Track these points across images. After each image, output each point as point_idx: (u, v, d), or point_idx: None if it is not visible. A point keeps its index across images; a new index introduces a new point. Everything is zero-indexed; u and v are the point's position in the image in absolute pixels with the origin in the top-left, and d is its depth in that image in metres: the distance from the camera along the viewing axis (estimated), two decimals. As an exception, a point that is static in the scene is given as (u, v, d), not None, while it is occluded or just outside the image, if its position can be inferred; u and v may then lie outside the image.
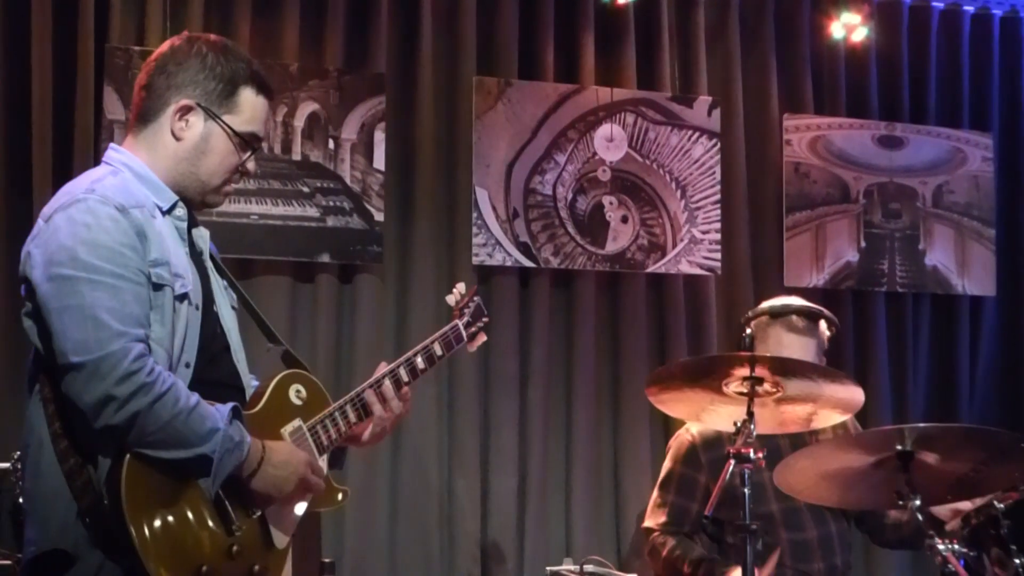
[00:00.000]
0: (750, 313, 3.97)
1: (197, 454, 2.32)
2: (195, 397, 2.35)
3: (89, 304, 2.27)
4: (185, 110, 2.55)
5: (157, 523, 2.30)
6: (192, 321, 2.48)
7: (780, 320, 3.86)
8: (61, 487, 2.33)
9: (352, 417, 2.76)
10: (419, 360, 2.94)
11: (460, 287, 3.16)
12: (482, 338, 3.17)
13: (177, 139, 2.56)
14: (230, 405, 2.42)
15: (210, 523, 2.40)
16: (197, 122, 2.56)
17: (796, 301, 3.96)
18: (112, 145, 2.63)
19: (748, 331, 3.86)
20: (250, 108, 2.61)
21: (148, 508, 2.29)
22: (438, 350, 3.00)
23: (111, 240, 2.34)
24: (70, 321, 2.27)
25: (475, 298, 3.16)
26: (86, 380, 2.24)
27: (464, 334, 3.09)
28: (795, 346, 3.80)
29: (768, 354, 3.71)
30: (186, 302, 2.47)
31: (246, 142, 2.61)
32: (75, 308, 2.27)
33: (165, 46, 2.62)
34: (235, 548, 2.42)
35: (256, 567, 2.47)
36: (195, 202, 2.62)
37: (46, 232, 2.37)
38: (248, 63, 2.63)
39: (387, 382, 2.84)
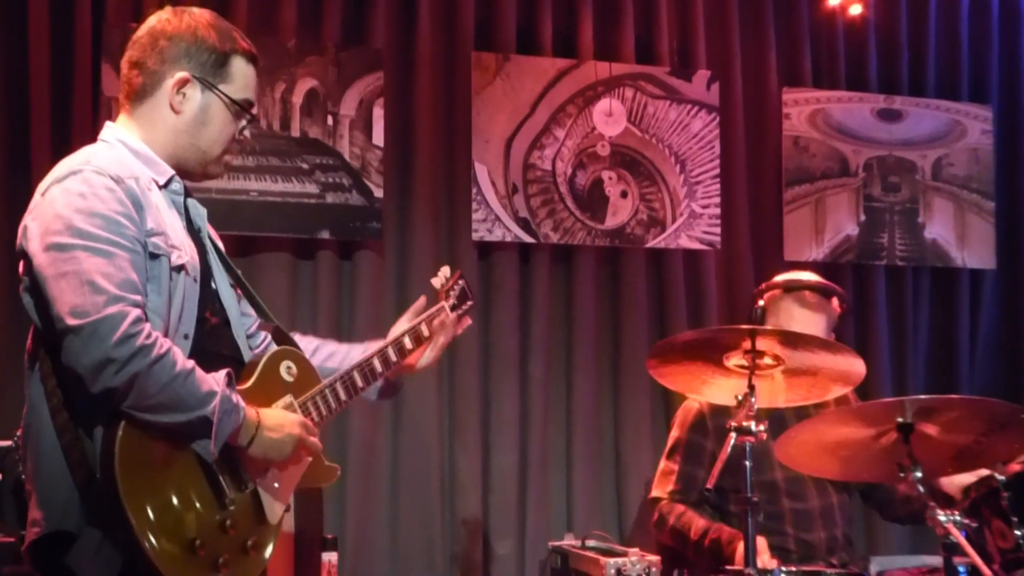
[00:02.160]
0: (763, 286, 3.98)
1: (196, 417, 2.33)
2: (191, 362, 2.36)
3: (86, 270, 2.28)
4: (182, 83, 2.57)
5: (150, 494, 2.31)
6: (190, 293, 2.50)
7: (792, 294, 3.87)
8: (61, 464, 2.34)
9: (342, 395, 2.78)
10: (407, 340, 2.97)
11: (445, 271, 3.17)
12: (467, 322, 3.19)
13: (176, 112, 2.57)
14: (224, 371, 2.43)
15: (203, 496, 2.41)
16: (195, 94, 2.58)
17: (809, 276, 3.97)
18: (108, 123, 2.64)
19: (760, 303, 3.87)
20: (242, 76, 2.64)
21: (141, 479, 2.30)
22: (425, 331, 3.02)
23: (107, 209, 2.35)
24: (67, 286, 2.27)
25: (460, 281, 3.17)
26: (84, 343, 2.24)
27: (449, 316, 3.09)
28: (805, 321, 3.82)
29: (779, 327, 3.72)
30: (183, 273, 2.48)
31: (243, 109, 2.64)
32: (72, 274, 2.27)
33: (152, 21, 2.63)
34: (228, 522, 2.43)
35: (249, 541, 2.48)
36: (196, 174, 2.65)
37: (42, 205, 2.38)
38: (235, 32, 2.67)
39: (376, 361, 2.87)
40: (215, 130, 2.62)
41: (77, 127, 4.66)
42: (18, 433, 3.60)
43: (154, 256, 2.42)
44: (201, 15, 2.64)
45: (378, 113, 5.02)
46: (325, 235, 4.93)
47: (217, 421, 2.35)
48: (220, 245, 2.76)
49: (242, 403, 2.43)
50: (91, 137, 4.40)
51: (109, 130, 2.61)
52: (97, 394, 2.26)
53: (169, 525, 2.32)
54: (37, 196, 2.42)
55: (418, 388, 4.97)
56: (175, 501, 2.35)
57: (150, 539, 2.27)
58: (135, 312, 2.29)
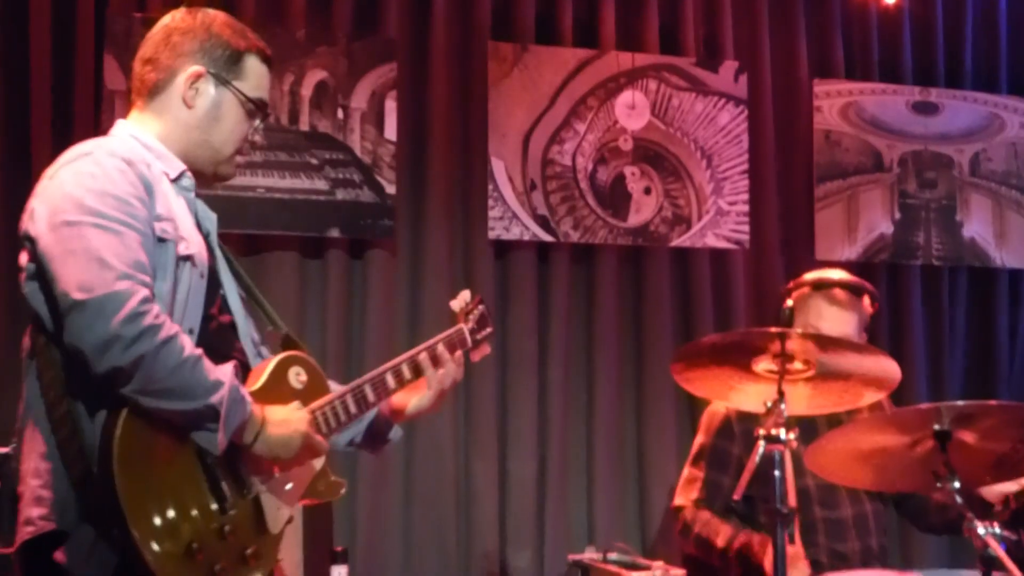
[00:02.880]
0: (791, 284, 3.96)
1: (203, 406, 2.33)
2: (199, 350, 2.36)
3: (95, 246, 2.29)
4: (196, 77, 2.62)
5: (148, 490, 2.30)
6: (196, 287, 2.51)
7: (821, 292, 3.86)
8: (57, 461, 2.35)
9: (352, 409, 2.77)
10: (423, 357, 2.91)
11: (465, 294, 3.15)
12: (486, 350, 3.15)
13: (189, 107, 2.62)
14: (230, 363, 2.44)
15: (203, 499, 2.40)
16: (208, 89, 2.63)
17: (839, 274, 3.95)
18: (118, 121, 2.67)
19: (788, 302, 3.85)
20: (256, 75, 2.70)
21: (140, 473, 2.30)
22: (442, 351, 2.96)
23: (117, 189, 2.38)
24: (74, 262, 2.28)
25: (480, 306, 3.15)
26: (90, 319, 2.24)
27: (468, 339, 3.06)
28: (836, 320, 3.80)
29: (808, 327, 3.71)
30: (189, 264, 2.50)
31: (256, 108, 2.69)
32: (80, 250, 2.29)
33: (166, 19, 2.69)
34: (227, 528, 2.42)
35: (248, 550, 2.47)
36: (207, 173, 2.68)
37: (50, 186, 2.41)
38: (249, 32, 2.73)
39: (389, 376, 2.85)
40: (228, 127, 2.66)
41: (79, 120, 4.68)
42: (14, 440, 3.63)
43: (161, 241, 2.44)
44: (216, 14, 2.71)
45: (391, 106, 5.02)
46: (335, 233, 4.93)
47: (225, 411, 2.35)
48: (231, 257, 2.78)
49: (249, 397, 2.44)
50: (93, 130, 4.46)
51: (119, 126, 2.65)
52: (101, 374, 2.26)
53: (166, 524, 2.31)
54: (44, 180, 2.44)
55: (432, 393, 4.96)
56: (174, 500, 2.34)
57: (145, 537, 2.26)
58: (144, 291, 2.30)
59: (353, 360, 4.91)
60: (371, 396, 2.81)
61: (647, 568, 4.39)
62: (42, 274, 2.36)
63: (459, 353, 2.94)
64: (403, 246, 5.10)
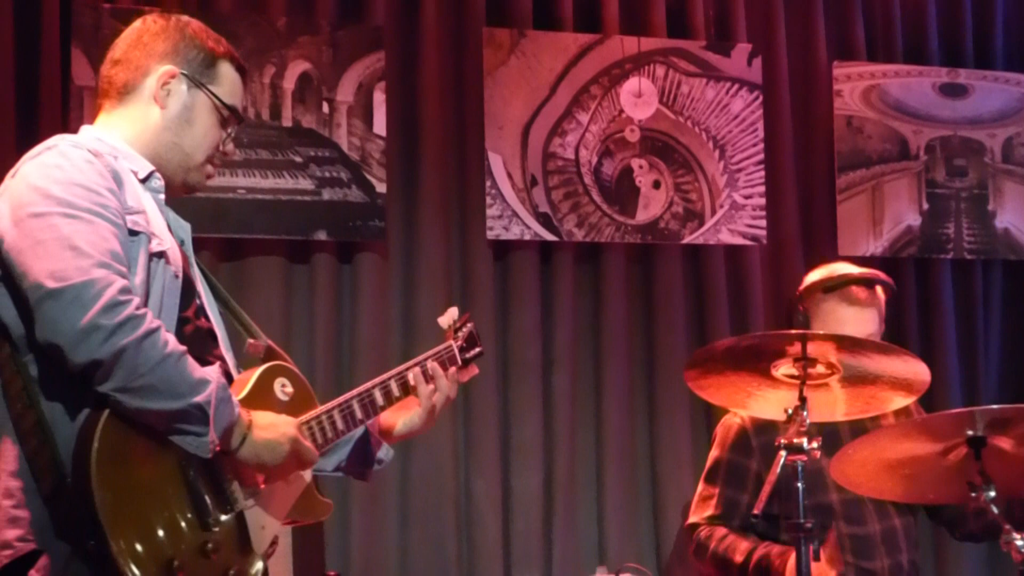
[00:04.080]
0: (800, 291, 3.96)
1: (189, 405, 2.34)
2: (183, 347, 2.38)
3: (67, 235, 2.31)
4: (169, 77, 2.67)
5: (128, 501, 2.30)
6: (170, 286, 2.54)
7: (836, 293, 3.86)
8: (27, 476, 2.36)
9: (340, 425, 2.80)
10: (409, 375, 2.97)
11: (453, 311, 3.20)
12: (474, 370, 3.20)
13: (160, 107, 2.67)
14: (216, 364, 2.47)
15: (185, 513, 2.41)
16: (180, 89, 2.68)
17: (848, 268, 3.95)
18: (84, 126, 2.71)
19: (801, 310, 3.86)
20: (230, 82, 2.76)
21: (119, 483, 2.29)
22: (433, 366, 3.01)
23: (86, 179, 2.42)
24: (44, 252, 2.30)
25: (469, 324, 3.20)
26: (66, 307, 2.25)
27: (458, 357, 3.11)
28: (857, 320, 3.80)
29: (824, 331, 3.71)
30: (163, 262, 2.52)
31: (231, 114, 2.74)
32: (50, 240, 2.31)
33: (137, 21, 2.75)
34: (210, 545, 2.42)
35: (231, 571, 2.48)
36: (176, 181, 2.72)
37: (13, 184, 2.44)
38: (224, 41, 2.79)
39: (378, 392, 2.88)
40: (199, 132, 2.70)
41: (45, 119, 4.67)
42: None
43: (133, 233, 2.46)
44: (191, 19, 2.78)
45: (379, 98, 5.03)
46: (322, 236, 4.94)
47: (214, 409, 2.36)
48: (207, 271, 2.82)
49: (235, 398, 2.46)
50: (61, 129, 4.43)
51: (84, 131, 2.68)
52: (78, 368, 2.27)
53: (147, 538, 2.32)
54: (7, 180, 2.47)
55: (429, 405, 4.97)
56: (155, 512, 2.35)
57: (125, 552, 2.26)
58: (123, 281, 2.32)
59: (343, 372, 4.92)
60: (359, 413, 2.84)
61: (662, 590, 4.40)
62: (8, 276, 2.37)
63: (453, 369, 2.97)
64: (395, 248, 5.11)
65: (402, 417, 2.96)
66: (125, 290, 2.30)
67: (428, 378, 2.92)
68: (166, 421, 2.35)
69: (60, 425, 2.34)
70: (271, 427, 2.54)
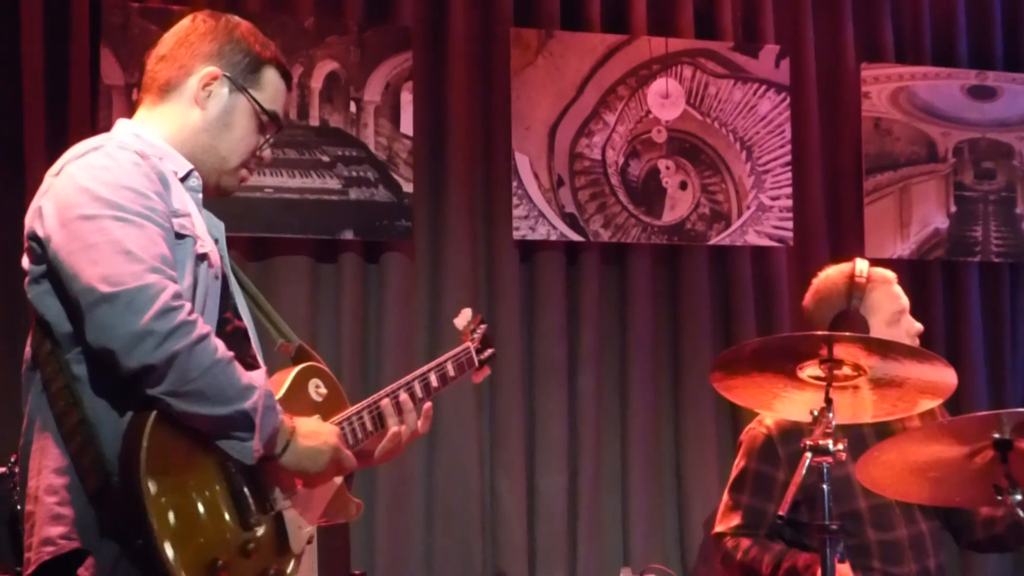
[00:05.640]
0: (852, 286, 3.89)
1: (236, 411, 2.34)
2: (231, 352, 2.38)
3: (118, 239, 2.30)
4: (211, 79, 2.64)
5: (175, 502, 2.31)
6: (212, 288, 2.54)
7: (880, 277, 3.88)
8: (72, 475, 2.35)
9: (369, 425, 2.80)
10: (432, 378, 3.00)
11: (467, 312, 3.24)
12: (487, 372, 3.25)
13: (200, 108, 2.64)
14: (262, 368, 2.48)
15: (228, 512, 2.41)
16: (222, 93, 2.66)
17: (862, 265, 3.93)
18: (120, 120, 2.69)
19: (855, 306, 3.83)
20: (273, 88, 2.72)
21: (167, 483, 2.30)
22: (451, 370, 3.07)
23: (134, 182, 2.39)
24: (97, 256, 2.28)
25: (482, 324, 3.25)
26: (120, 313, 2.24)
27: (475, 359, 3.16)
28: (903, 295, 3.84)
29: (883, 319, 3.74)
30: (206, 263, 2.52)
31: (271, 120, 2.72)
32: (102, 244, 2.29)
33: (187, 19, 2.73)
34: (251, 545, 2.43)
35: (271, 570, 2.49)
36: (209, 183, 2.69)
37: (57, 183, 2.41)
38: (273, 46, 2.76)
39: (403, 394, 2.89)
40: (237, 136, 2.68)
41: (74, 117, 4.71)
42: (12, 459, 3.66)
43: (180, 237, 2.45)
44: (241, 21, 2.75)
45: (406, 98, 5.04)
46: (348, 235, 4.95)
47: (260, 416, 2.37)
48: (237, 269, 2.81)
49: (279, 405, 2.47)
50: (90, 127, 4.50)
51: (121, 125, 2.66)
52: (130, 372, 2.27)
53: (194, 538, 2.33)
54: (49, 178, 2.45)
55: (455, 404, 4.99)
56: (200, 512, 2.35)
57: (174, 552, 2.27)
58: (175, 286, 2.31)
59: (370, 371, 4.94)
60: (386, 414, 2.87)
61: (687, 591, 4.40)
62: (54, 275, 2.37)
63: (428, 405, 2.94)
64: (421, 248, 5.12)
65: (379, 442, 2.96)
66: (177, 295, 2.30)
67: (397, 410, 2.89)
68: (212, 425, 2.35)
69: (104, 425, 2.34)
70: (314, 435, 2.54)
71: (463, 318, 3.22)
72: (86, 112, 4.71)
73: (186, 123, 2.64)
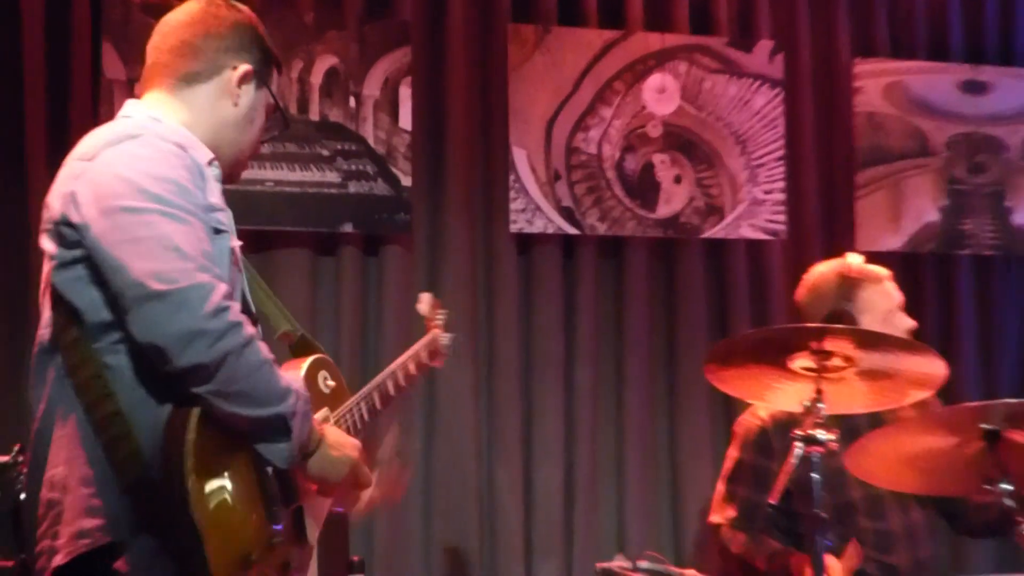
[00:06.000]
0: (842, 282, 3.90)
1: (275, 414, 2.33)
2: (271, 354, 2.37)
3: (166, 235, 2.26)
4: (247, 76, 2.62)
5: (218, 498, 2.31)
6: (238, 283, 2.54)
7: (872, 275, 3.89)
8: (102, 466, 2.32)
9: (366, 416, 2.86)
10: (411, 366, 3.10)
11: (427, 297, 3.39)
12: (447, 353, 3.37)
13: (234, 105, 2.62)
14: (296, 370, 2.52)
15: (259, 507, 2.41)
16: (250, 89, 2.64)
17: (854, 259, 3.95)
18: (131, 101, 2.63)
19: (847, 309, 3.84)
20: (276, 82, 2.73)
21: (210, 480, 2.29)
22: (424, 356, 3.19)
23: (176, 175, 2.36)
24: (146, 251, 2.25)
25: (442, 310, 3.37)
26: (172, 311, 2.22)
27: (442, 348, 3.28)
28: (896, 292, 3.85)
29: (875, 318, 3.76)
30: (236, 259, 2.51)
31: (282, 117, 2.74)
32: (150, 239, 2.25)
33: (194, 3, 2.67)
34: (276, 539, 2.44)
35: (291, 562, 2.50)
36: (222, 174, 2.66)
37: (93, 169, 2.35)
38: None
39: (389, 383, 2.98)
40: (255, 131, 2.68)
41: (76, 111, 4.73)
42: (15, 448, 3.67)
43: (218, 232, 2.43)
44: (251, 13, 2.71)
45: (405, 93, 5.06)
46: (348, 228, 4.97)
47: (298, 422, 2.37)
48: (244, 259, 2.81)
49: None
50: (92, 121, 4.50)
51: (133, 107, 2.60)
52: (180, 370, 2.24)
53: (232, 531, 2.32)
54: (79, 162, 2.40)
55: (453, 396, 5.02)
56: (238, 506, 2.35)
57: (216, 548, 2.26)
58: (224, 286, 2.29)
59: (369, 362, 4.95)
60: (378, 403, 2.91)
61: (679, 577, 4.42)
62: (87, 259, 2.33)
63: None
64: (420, 241, 5.14)
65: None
66: (227, 295, 2.28)
67: (384, 402, 2.99)
68: (249, 426, 2.34)
69: (139, 418, 2.31)
70: (340, 446, 2.54)
71: (426, 304, 3.26)
72: (88, 106, 4.73)
73: (215, 115, 2.60)
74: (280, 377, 2.36)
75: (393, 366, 3.04)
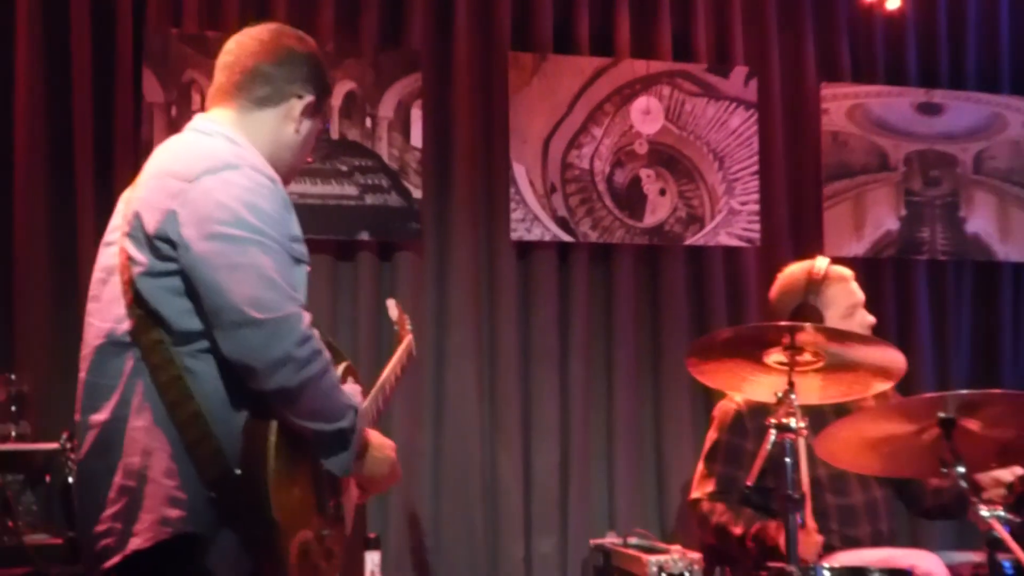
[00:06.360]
0: (818, 279, 3.87)
1: (336, 428, 2.35)
2: (338, 374, 2.41)
3: (262, 264, 2.25)
4: (312, 107, 2.59)
5: (291, 496, 2.32)
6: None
7: (837, 275, 3.87)
8: (185, 462, 2.29)
9: (381, 409, 2.96)
10: (399, 370, 3.17)
11: (392, 303, 3.45)
12: (413, 359, 3.44)
13: (295, 132, 2.58)
14: (355, 386, 2.52)
15: (315, 503, 2.43)
16: (308, 120, 2.60)
17: (821, 262, 3.93)
18: (201, 116, 2.59)
19: (812, 303, 3.82)
20: (327, 112, 2.70)
21: (285, 480, 2.30)
22: (406, 360, 3.26)
23: (271, 208, 2.34)
24: (244, 278, 2.24)
25: (403, 315, 3.43)
26: (267, 338, 2.22)
27: (414, 349, 3.34)
28: (859, 291, 3.83)
29: (838, 312, 3.75)
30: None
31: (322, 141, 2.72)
32: (248, 267, 2.25)
33: (274, 29, 2.63)
34: (325, 532, 2.44)
35: (334, 551, 2.50)
36: None
37: (193, 192, 2.31)
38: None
39: (387, 387, 3.04)
40: (305, 155, 2.66)
41: (119, 133, 4.72)
42: (64, 435, 3.65)
43: (298, 262, 2.41)
44: (314, 44, 2.67)
45: (416, 114, 5.05)
46: (364, 236, 4.96)
47: (354, 436, 2.39)
48: None
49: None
50: (133, 143, 4.49)
51: (207, 123, 2.54)
52: (268, 391, 2.26)
53: (299, 526, 2.34)
54: (174, 181, 2.34)
55: (459, 389, 5.01)
56: (304, 503, 2.37)
57: (289, 543, 2.28)
58: (308, 315, 2.30)
59: (384, 358, 4.91)
60: (381, 405, 3.00)
61: (665, 552, 4.40)
62: (182, 273, 2.30)
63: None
64: (429, 248, 5.13)
65: None
66: (311, 323, 2.29)
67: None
68: (315, 437, 2.35)
69: (218, 419, 2.30)
70: (381, 448, 2.58)
71: (393, 310, 3.28)
72: (129, 126, 4.72)
73: (278, 139, 2.56)
74: (343, 394, 2.38)
75: (386, 372, 3.08)
